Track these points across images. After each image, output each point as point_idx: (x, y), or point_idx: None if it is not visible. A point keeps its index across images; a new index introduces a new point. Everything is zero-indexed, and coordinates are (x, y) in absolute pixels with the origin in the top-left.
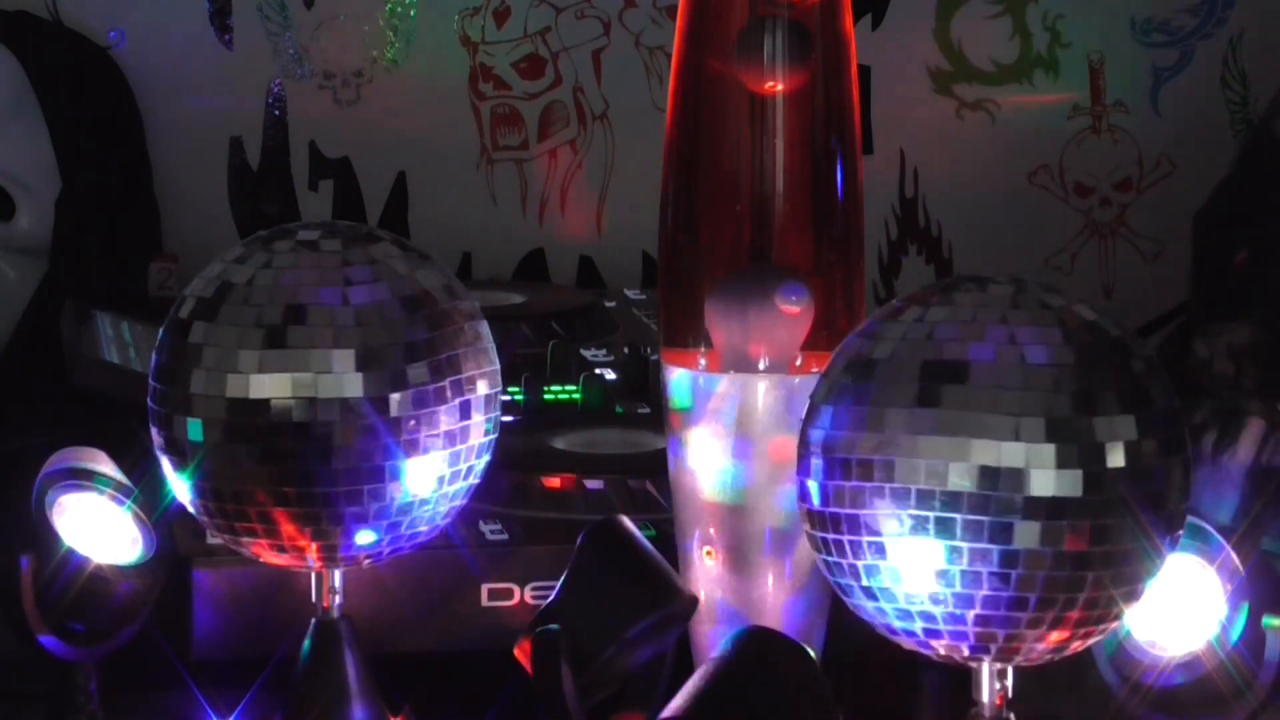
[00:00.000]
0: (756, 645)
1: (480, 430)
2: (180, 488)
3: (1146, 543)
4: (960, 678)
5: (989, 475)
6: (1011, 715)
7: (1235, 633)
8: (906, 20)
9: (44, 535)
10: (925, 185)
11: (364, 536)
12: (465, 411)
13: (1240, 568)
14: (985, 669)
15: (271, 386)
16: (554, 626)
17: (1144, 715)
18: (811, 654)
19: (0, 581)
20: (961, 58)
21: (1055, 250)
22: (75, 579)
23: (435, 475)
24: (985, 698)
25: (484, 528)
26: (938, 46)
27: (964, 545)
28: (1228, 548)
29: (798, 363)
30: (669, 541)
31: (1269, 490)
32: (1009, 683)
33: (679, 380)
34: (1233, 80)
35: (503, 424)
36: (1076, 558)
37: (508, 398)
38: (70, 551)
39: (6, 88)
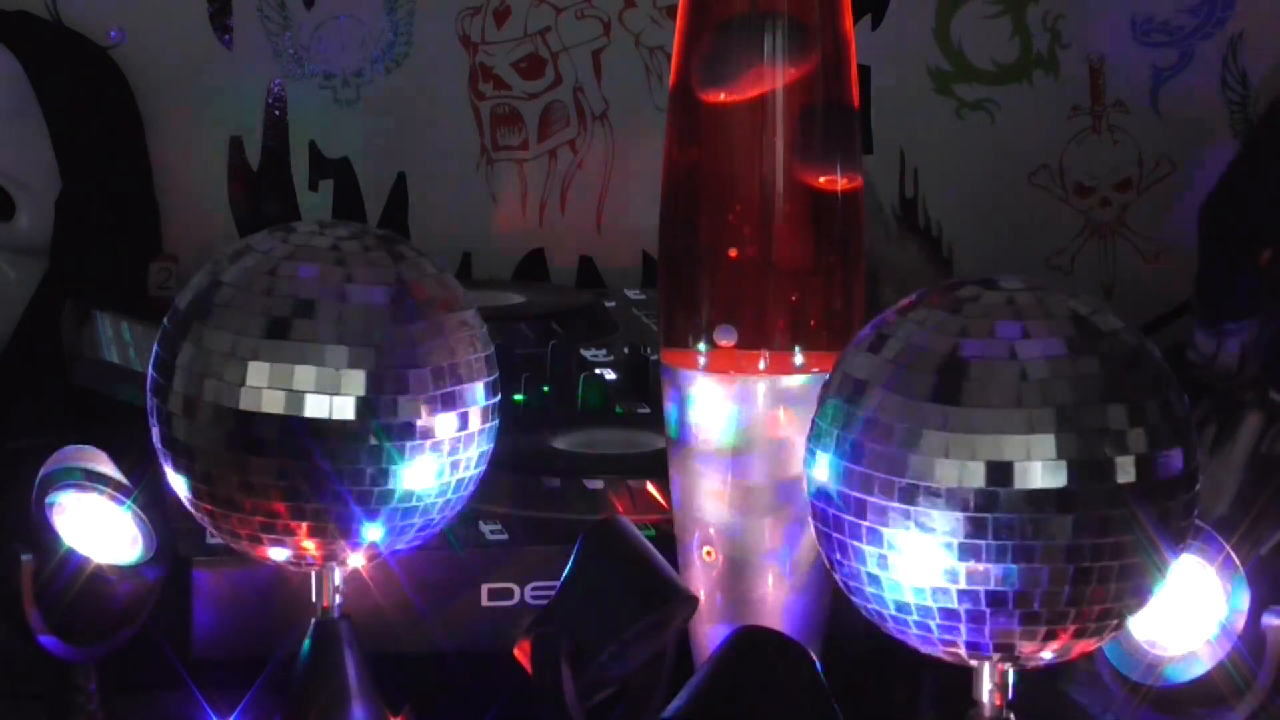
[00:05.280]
0: (756, 645)
1: (479, 431)
2: (179, 486)
3: (1153, 553)
4: (960, 678)
5: (996, 480)
6: (1011, 715)
7: (1235, 633)
8: (906, 20)
9: (44, 535)
10: (925, 185)
11: (363, 536)
12: (464, 412)
13: (1240, 567)
14: (986, 669)
15: (270, 384)
16: (554, 626)
17: (1144, 715)
18: (811, 654)
19: (0, 581)
20: (961, 58)
21: (1055, 250)
22: (75, 579)
23: (434, 475)
24: (986, 698)
25: (484, 528)
26: (938, 46)
27: (970, 547)
28: (1228, 548)
29: (798, 362)
30: (669, 541)
31: (1268, 489)
32: (1010, 683)
33: (679, 380)
34: (1233, 80)
35: (503, 424)
36: (1082, 565)
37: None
38: (70, 551)
39: (6, 88)
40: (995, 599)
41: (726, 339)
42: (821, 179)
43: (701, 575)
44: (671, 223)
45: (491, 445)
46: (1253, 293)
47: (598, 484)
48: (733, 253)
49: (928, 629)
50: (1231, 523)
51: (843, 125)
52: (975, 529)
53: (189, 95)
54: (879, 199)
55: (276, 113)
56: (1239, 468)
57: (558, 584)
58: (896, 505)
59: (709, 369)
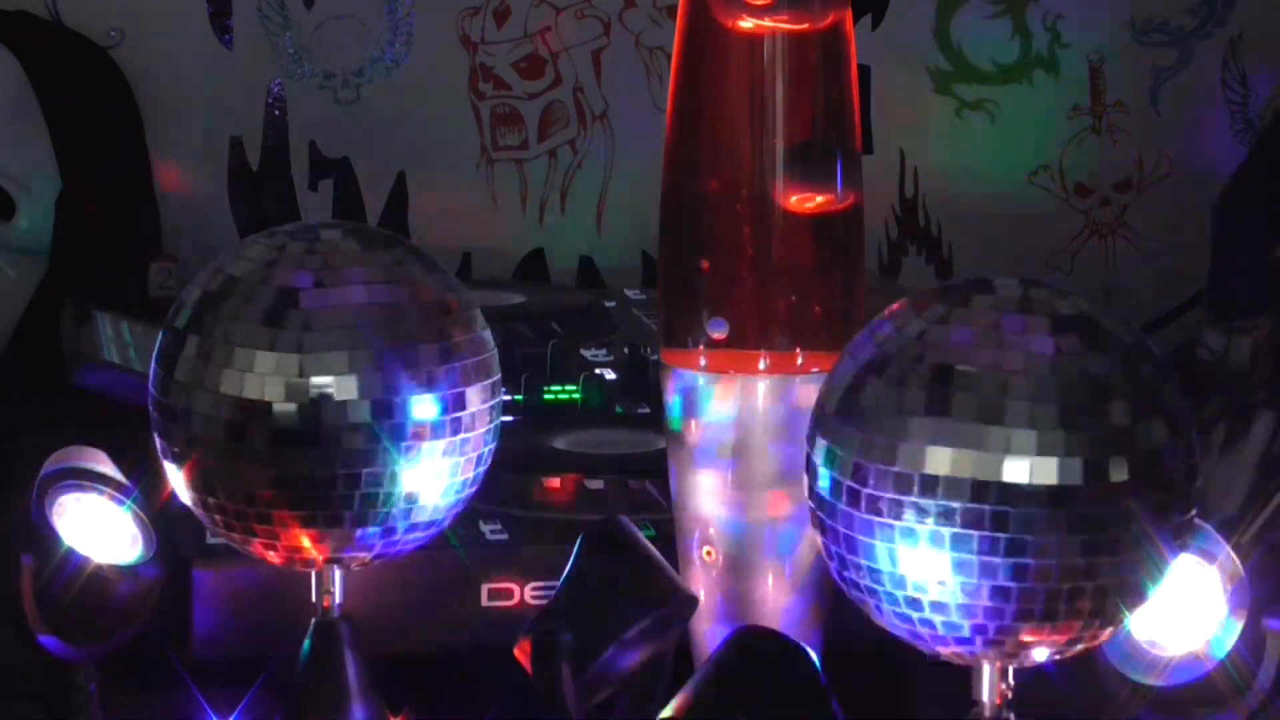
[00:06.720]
0: (756, 645)
1: (481, 432)
2: (180, 487)
3: (1152, 551)
4: (960, 677)
5: (994, 479)
6: (1011, 715)
7: (1235, 633)
8: (906, 20)
9: (44, 535)
10: (925, 185)
11: (364, 536)
12: (465, 412)
13: (1240, 568)
14: (987, 668)
15: (272, 386)
16: (554, 626)
17: (1144, 715)
18: (811, 654)
19: (0, 581)
20: (961, 58)
21: (1055, 250)
22: (75, 579)
23: (435, 476)
24: (986, 697)
25: (484, 528)
26: (938, 46)
27: (970, 546)
28: (1228, 548)
29: (798, 362)
30: (669, 541)
31: (1272, 489)
32: (1010, 682)
33: (679, 381)
34: (1233, 80)
35: (503, 424)
36: (1081, 564)
37: (508, 398)
38: (70, 551)
39: (6, 88)
40: (994, 596)
41: (718, 331)
42: (822, 180)
43: (701, 575)
44: (671, 222)
45: (492, 445)
46: (1264, 290)
47: (598, 484)
48: (704, 265)
49: (926, 626)
50: (1238, 523)
51: (842, 125)
52: (973, 526)
53: (189, 95)
54: None
55: (276, 113)
56: (1250, 468)
57: (558, 584)
58: (895, 503)
59: (709, 369)
